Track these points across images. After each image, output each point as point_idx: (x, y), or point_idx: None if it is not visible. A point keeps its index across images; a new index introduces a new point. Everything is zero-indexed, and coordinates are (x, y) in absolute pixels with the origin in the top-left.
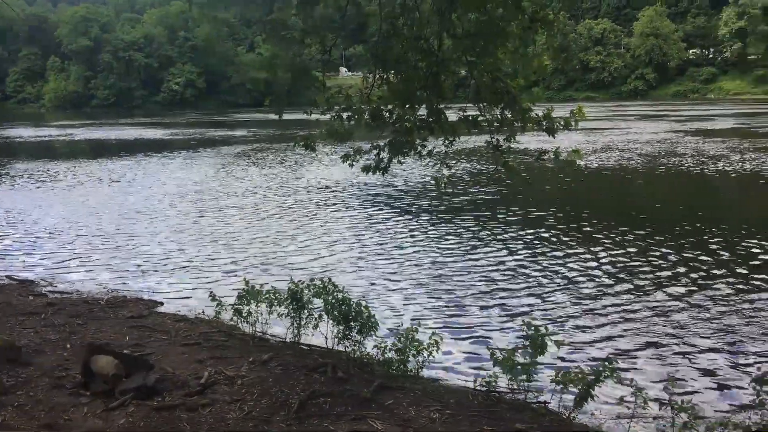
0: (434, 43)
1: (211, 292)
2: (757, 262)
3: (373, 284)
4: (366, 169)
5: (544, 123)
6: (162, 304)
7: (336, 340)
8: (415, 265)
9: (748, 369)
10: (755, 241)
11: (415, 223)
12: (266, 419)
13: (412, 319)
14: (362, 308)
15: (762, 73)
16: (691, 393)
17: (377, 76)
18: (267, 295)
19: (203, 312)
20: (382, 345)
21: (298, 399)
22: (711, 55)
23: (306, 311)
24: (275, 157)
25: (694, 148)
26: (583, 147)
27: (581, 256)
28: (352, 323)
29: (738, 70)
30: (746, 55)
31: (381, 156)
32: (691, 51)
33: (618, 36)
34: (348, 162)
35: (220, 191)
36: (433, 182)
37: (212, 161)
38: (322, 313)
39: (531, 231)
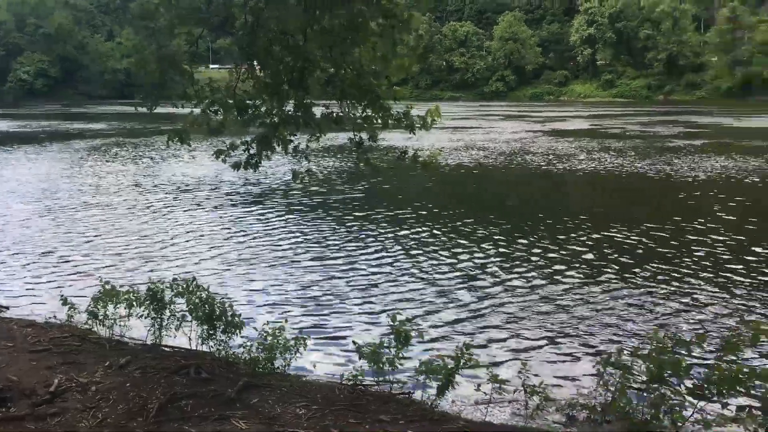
0: (299, 38)
1: (62, 295)
2: (599, 253)
3: (238, 283)
4: (236, 166)
5: (404, 121)
6: (7, 308)
7: (200, 340)
8: (282, 263)
9: (595, 353)
10: (600, 234)
11: (282, 221)
12: (122, 426)
13: (279, 317)
14: (227, 307)
15: (609, 77)
16: (543, 377)
17: (244, 69)
18: (126, 296)
19: (54, 316)
20: (248, 344)
21: (157, 403)
22: (564, 60)
23: (168, 312)
24: (135, 152)
25: (548, 146)
26: (448, 145)
27: (444, 250)
28: (216, 323)
29: (588, 75)
30: (595, 61)
31: (250, 152)
32: (546, 56)
33: (480, 39)
34: (221, 158)
35: (71, 188)
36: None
37: (63, 156)
38: (185, 313)
39: (397, 228)
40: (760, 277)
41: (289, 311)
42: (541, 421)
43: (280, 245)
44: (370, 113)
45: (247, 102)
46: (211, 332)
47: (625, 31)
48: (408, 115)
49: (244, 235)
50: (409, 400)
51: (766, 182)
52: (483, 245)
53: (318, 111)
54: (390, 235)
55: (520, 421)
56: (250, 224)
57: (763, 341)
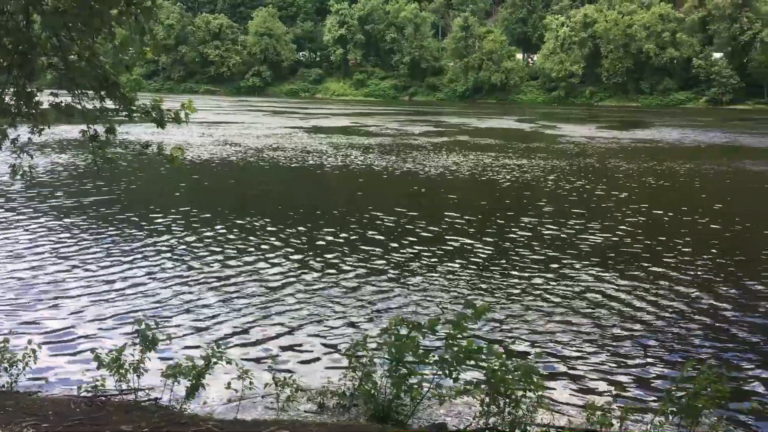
0: (21, 19)
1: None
2: (345, 244)
3: None
4: None
5: (153, 113)
6: None
7: None
8: (18, 273)
9: (346, 342)
10: (337, 227)
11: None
12: None
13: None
14: None
15: (361, 77)
16: (296, 370)
17: None
18: None
19: None
20: None
21: None
22: (318, 58)
23: None
24: None
25: (305, 142)
26: (203, 140)
27: (190, 251)
28: None
29: (341, 74)
30: (347, 61)
31: None
32: (301, 53)
33: (235, 32)
34: None
35: None
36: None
37: None
38: None
39: (140, 228)
40: (480, 262)
41: (21, 320)
42: (293, 412)
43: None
44: (109, 104)
45: None
46: None
47: (373, 33)
48: (157, 108)
49: None
50: (156, 406)
51: (497, 175)
52: (227, 242)
53: (43, 99)
54: (136, 236)
55: (273, 414)
56: None
57: (493, 324)
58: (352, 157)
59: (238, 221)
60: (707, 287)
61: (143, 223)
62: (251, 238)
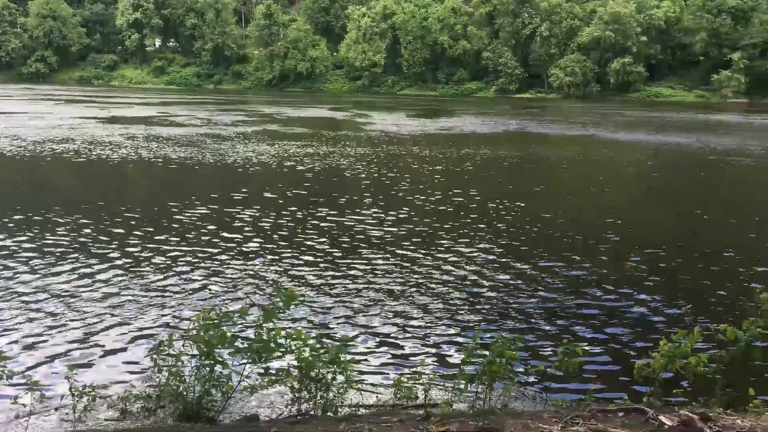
0: None
1: None
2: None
3: None
4: None
5: None
6: None
7: None
8: None
9: (151, 341)
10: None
11: None
12: None
13: None
14: None
15: (160, 64)
16: (98, 376)
17: None
18: None
19: None
20: None
21: None
22: (112, 43)
23: None
24: None
25: (100, 134)
26: None
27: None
28: None
29: (138, 60)
30: (145, 47)
31: None
32: (92, 37)
33: (13, 14)
34: None
35: None
36: None
37: None
38: None
39: None
40: (282, 251)
41: None
42: (91, 422)
43: None
44: None
45: None
46: None
47: (172, 18)
48: None
49: None
50: None
51: (304, 164)
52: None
53: None
54: None
55: (69, 426)
56: None
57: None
58: (151, 148)
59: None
60: (499, 264)
61: None
62: (22, 237)
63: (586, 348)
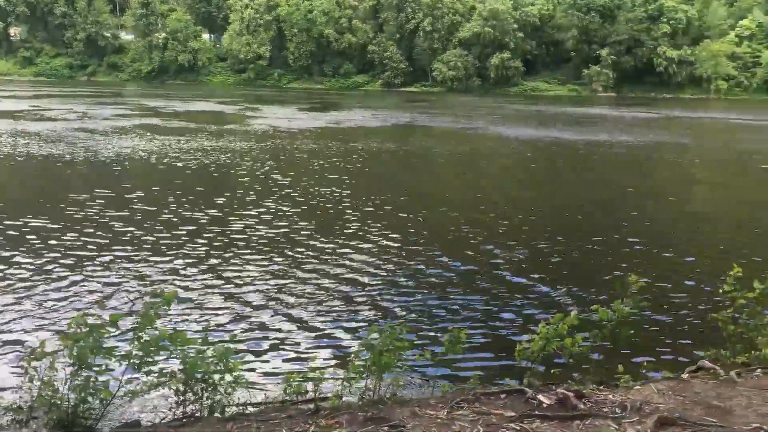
0: None
1: None
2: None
3: None
4: None
5: None
6: None
7: None
8: None
9: (23, 351)
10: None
11: None
12: None
13: None
14: None
15: (27, 54)
16: None
17: None
18: None
19: None
20: None
21: None
22: None
23: None
24: None
25: None
26: None
27: None
28: None
29: (2, 50)
30: (9, 36)
31: None
32: None
33: None
34: None
35: None
36: None
37: None
38: None
39: None
40: (162, 249)
41: None
42: None
43: None
44: None
45: None
46: None
47: (39, 6)
48: None
49: None
50: None
51: (185, 160)
52: None
53: None
54: None
55: None
56: None
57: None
58: (16, 144)
59: None
60: (386, 257)
61: None
62: None
63: (471, 333)
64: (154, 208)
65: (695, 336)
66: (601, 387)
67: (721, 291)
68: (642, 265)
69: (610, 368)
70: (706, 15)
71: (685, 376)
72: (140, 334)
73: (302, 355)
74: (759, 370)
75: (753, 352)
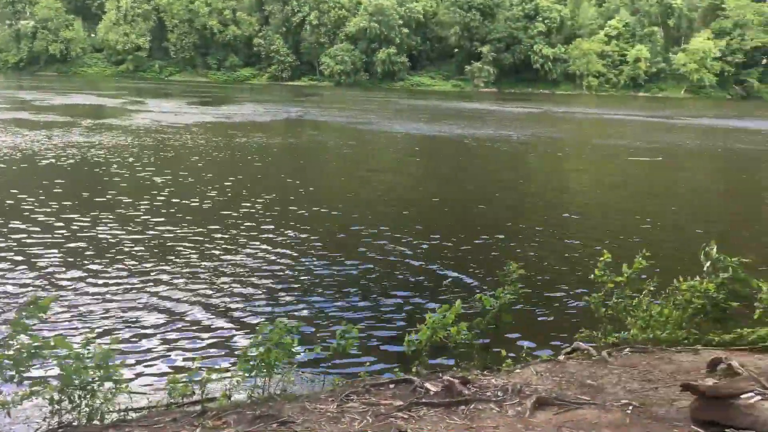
0: None
1: None
2: None
3: None
4: None
5: None
6: None
7: None
8: None
9: None
10: None
11: None
12: None
13: None
14: None
15: None
16: None
17: None
18: None
19: None
20: None
21: None
22: None
23: None
24: None
25: None
26: None
27: None
28: None
29: None
30: None
31: None
32: None
33: None
34: None
35: None
36: None
37: None
38: None
39: None
40: (39, 252)
41: None
42: None
43: None
44: None
45: None
46: None
47: None
48: None
49: None
50: None
51: (57, 158)
52: None
53: None
54: None
55: None
56: None
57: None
58: None
59: None
60: (275, 255)
61: None
62: None
63: (363, 327)
64: (24, 212)
65: (572, 319)
66: (485, 372)
67: (592, 276)
68: (523, 253)
69: (493, 354)
70: (578, 15)
71: (561, 357)
72: (10, 342)
73: (190, 357)
74: (628, 349)
75: (622, 332)
